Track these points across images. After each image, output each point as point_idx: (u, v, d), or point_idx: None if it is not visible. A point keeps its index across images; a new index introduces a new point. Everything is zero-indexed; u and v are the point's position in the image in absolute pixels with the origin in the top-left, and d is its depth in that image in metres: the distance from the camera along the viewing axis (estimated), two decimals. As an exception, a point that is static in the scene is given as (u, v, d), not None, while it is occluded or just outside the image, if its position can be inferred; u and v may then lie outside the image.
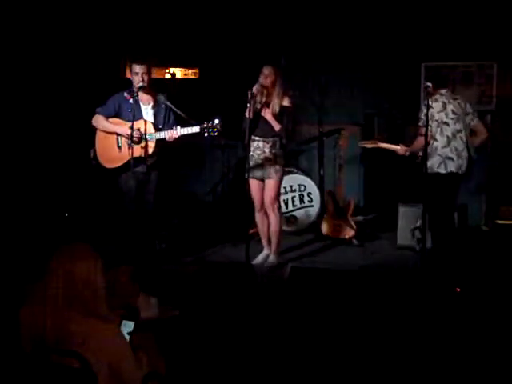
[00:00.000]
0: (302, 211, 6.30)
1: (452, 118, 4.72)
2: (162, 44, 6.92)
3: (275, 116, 4.86)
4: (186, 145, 4.91)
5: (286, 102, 4.91)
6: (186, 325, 3.42)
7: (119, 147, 4.71)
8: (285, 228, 5.99)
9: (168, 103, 4.77)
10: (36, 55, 6.12)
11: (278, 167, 4.98)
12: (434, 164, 4.68)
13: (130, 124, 4.57)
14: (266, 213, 5.13)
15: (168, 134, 4.63)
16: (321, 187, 6.35)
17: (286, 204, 6.28)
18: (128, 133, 4.56)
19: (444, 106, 4.74)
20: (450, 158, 4.69)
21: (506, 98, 6.66)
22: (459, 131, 4.74)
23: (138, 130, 4.59)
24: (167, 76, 7.30)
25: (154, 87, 4.85)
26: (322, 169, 6.46)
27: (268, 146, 4.95)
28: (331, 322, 3.78)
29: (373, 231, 6.29)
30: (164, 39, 6.93)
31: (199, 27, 6.85)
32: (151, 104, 4.78)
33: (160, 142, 4.68)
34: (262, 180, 5.04)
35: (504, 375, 3.14)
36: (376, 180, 6.91)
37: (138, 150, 4.62)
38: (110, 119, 4.72)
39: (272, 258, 5.13)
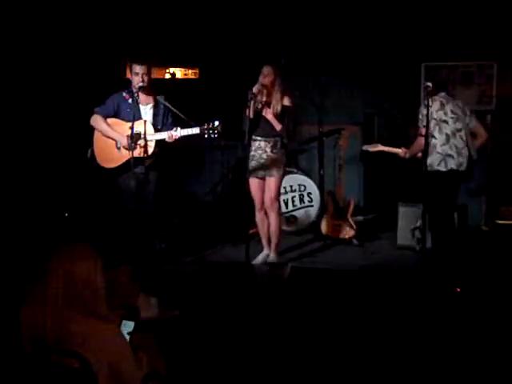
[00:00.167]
0: (301, 211, 6.31)
1: (452, 117, 4.73)
2: (161, 44, 6.92)
3: (276, 116, 4.88)
4: (186, 145, 4.91)
5: (286, 102, 4.92)
6: (186, 325, 3.42)
7: (118, 148, 4.70)
8: (285, 228, 5.99)
9: (167, 104, 4.76)
10: (36, 55, 6.12)
11: (279, 166, 5.00)
12: (433, 162, 4.68)
13: (128, 125, 4.57)
14: (266, 213, 5.14)
15: (168, 135, 4.63)
16: (321, 187, 6.35)
17: (286, 204, 6.28)
18: (125, 143, 4.56)
19: (442, 105, 4.75)
20: (450, 156, 4.69)
21: (506, 97, 6.66)
22: (459, 130, 4.75)
23: (138, 134, 4.58)
24: (167, 76, 7.30)
25: (154, 87, 4.85)
26: (322, 169, 6.46)
27: (269, 145, 4.96)
28: (331, 321, 3.78)
29: (373, 231, 6.29)
30: (164, 39, 6.93)
31: (199, 27, 6.85)
32: (150, 104, 4.78)
33: (160, 143, 4.68)
34: (263, 179, 5.05)
35: (504, 375, 3.13)
36: (376, 180, 6.92)
37: (137, 151, 4.62)
38: (109, 119, 4.72)
39: (272, 257, 5.13)
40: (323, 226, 5.94)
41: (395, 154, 5.02)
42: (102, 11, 6.61)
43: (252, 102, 4.75)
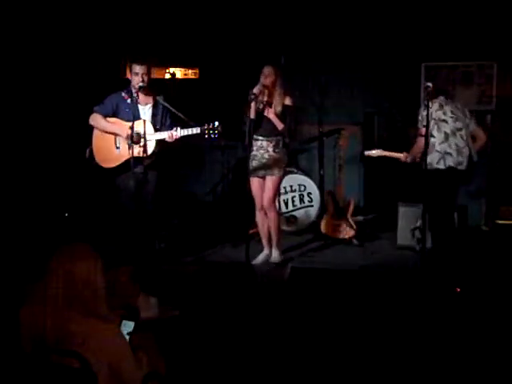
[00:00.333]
0: (302, 211, 6.31)
1: (451, 117, 4.75)
2: (161, 44, 6.91)
3: (278, 115, 4.89)
4: (186, 145, 4.91)
5: (287, 101, 4.95)
6: (186, 325, 3.42)
7: (117, 147, 4.69)
8: (285, 228, 5.99)
9: (166, 104, 4.76)
10: (35, 55, 6.12)
11: (280, 166, 5.03)
12: (433, 160, 4.69)
13: (128, 124, 4.57)
14: (266, 212, 5.15)
15: (168, 135, 4.62)
16: (321, 187, 6.35)
17: (286, 204, 6.28)
18: (126, 134, 4.55)
19: (441, 106, 4.78)
20: (449, 154, 4.70)
21: (506, 97, 6.66)
22: (459, 129, 4.76)
23: (138, 134, 4.58)
24: (167, 76, 7.30)
25: (153, 87, 4.85)
26: (322, 169, 6.46)
27: (271, 145, 4.98)
28: (331, 321, 3.78)
29: (373, 231, 6.29)
30: (164, 39, 6.93)
31: (199, 27, 6.85)
32: (149, 105, 4.77)
33: (160, 143, 4.68)
34: (264, 179, 5.06)
35: (504, 375, 3.13)
36: (376, 180, 6.92)
37: (136, 150, 4.61)
38: (108, 119, 4.72)
39: (275, 254, 5.16)
40: (323, 226, 5.94)
41: (397, 159, 5.02)
42: (102, 11, 6.61)
43: (253, 103, 4.78)
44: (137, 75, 4.64)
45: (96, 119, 4.72)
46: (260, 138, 4.99)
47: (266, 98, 4.92)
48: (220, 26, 6.84)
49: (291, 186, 6.29)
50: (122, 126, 4.65)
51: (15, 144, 5.87)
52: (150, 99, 4.78)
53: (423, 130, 4.50)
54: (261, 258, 5.18)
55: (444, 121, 4.74)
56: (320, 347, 3.45)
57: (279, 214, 5.57)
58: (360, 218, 6.44)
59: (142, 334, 2.42)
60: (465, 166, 4.75)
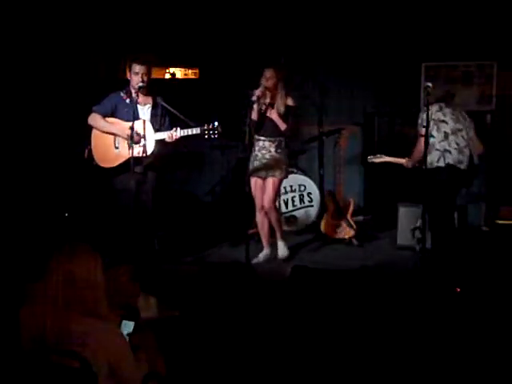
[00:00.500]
0: (302, 211, 6.30)
1: (451, 118, 4.78)
2: (161, 44, 6.91)
3: (280, 116, 4.91)
4: (188, 146, 4.91)
5: (290, 102, 4.98)
6: (186, 325, 3.42)
7: (116, 147, 4.69)
8: (285, 228, 5.98)
9: (165, 104, 4.75)
10: (34, 55, 6.11)
11: (282, 167, 5.05)
12: (433, 159, 4.70)
13: (127, 124, 4.56)
14: (266, 213, 5.16)
15: (168, 135, 4.62)
16: (321, 187, 6.35)
17: (286, 204, 6.28)
18: (126, 134, 4.55)
19: (441, 108, 4.82)
20: (448, 151, 4.71)
21: (506, 97, 6.66)
22: (460, 130, 4.78)
23: (138, 134, 4.58)
24: (167, 76, 7.29)
25: (154, 88, 4.84)
26: (322, 169, 6.46)
27: (274, 145, 5.00)
28: (331, 321, 3.78)
29: (373, 231, 6.29)
30: (164, 39, 6.93)
31: (199, 27, 6.85)
32: (148, 105, 4.76)
33: (159, 143, 4.67)
34: (265, 179, 5.08)
35: (504, 375, 3.13)
36: (376, 180, 6.91)
37: (136, 150, 4.60)
38: (107, 119, 4.71)
39: (283, 248, 5.22)
40: (323, 226, 5.94)
41: (400, 164, 5.02)
42: (101, 11, 6.61)
43: (256, 105, 4.80)
44: (136, 75, 4.63)
45: (95, 119, 4.71)
46: (262, 138, 5.01)
47: (268, 100, 4.94)
48: (220, 27, 6.83)
49: (291, 186, 6.29)
50: (121, 127, 4.64)
51: (15, 144, 5.87)
52: (150, 99, 4.77)
53: (423, 131, 4.51)
54: (261, 257, 5.19)
55: (444, 121, 4.75)
56: (320, 347, 3.45)
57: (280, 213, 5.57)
58: (360, 217, 6.44)
59: (142, 334, 2.42)
60: (465, 165, 4.75)
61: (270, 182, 5.06)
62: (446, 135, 4.73)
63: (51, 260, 2.14)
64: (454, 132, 4.75)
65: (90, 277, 2.14)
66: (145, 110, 4.74)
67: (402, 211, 5.71)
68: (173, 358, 2.60)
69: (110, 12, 6.69)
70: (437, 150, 4.71)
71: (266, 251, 5.25)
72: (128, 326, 2.38)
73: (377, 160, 5.08)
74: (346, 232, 5.87)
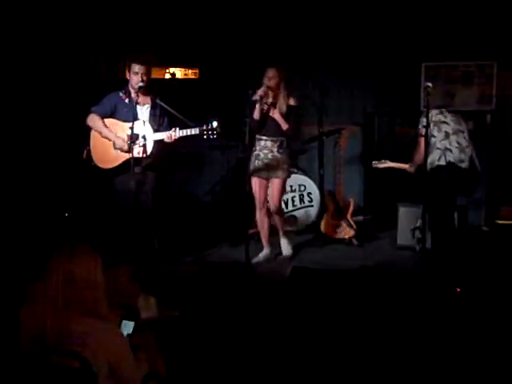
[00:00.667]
0: (302, 211, 6.30)
1: (452, 120, 4.80)
2: (161, 44, 6.91)
3: (283, 116, 4.92)
4: (187, 146, 4.91)
5: (292, 102, 4.99)
6: (186, 325, 3.42)
7: (115, 148, 4.68)
8: (285, 228, 5.99)
9: (164, 105, 4.74)
10: (33, 55, 6.11)
11: (285, 167, 5.06)
12: (434, 158, 4.72)
13: (125, 125, 4.57)
14: (266, 212, 5.17)
15: (167, 135, 4.61)
16: (321, 187, 6.34)
17: (286, 204, 6.27)
18: (122, 145, 4.55)
19: (441, 111, 4.86)
20: (449, 149, 4.72)
21: (506, 97, 6.65)
22: (461, 131, 4.81)
23: (136, 134, 4.57)
24: (167, 76, 7.29)
25: (153, 88, 4.84)
26: (322, 169, 6.46)
27: (276, 145, 5.01)
28: (331, 321, 3.78)
29: (373, 231, 6.29)
30: (164, 39, 6.93)
31: (200, 27, 6.85)
32: (147, 105, 4.75)
33: (158, 144, 4.66)
34: (267, 179, 5.09)
35: (504, 375, 3.13)
36: (376, 180, 6.91)
37: (135, 151, 4.59)
38: (106, 120, 4.70)
39: (287, 246, 5.25)
40: (323, 226, 5.94)
41: (404, 170, 5.02)
42: (101, 11, 6.61)
43: (258, 104, 4.81)
44: (136, 75, 4.62)
45: (93, 120, 4.70)
46: (264, 138, 5.01)
47: (270, 100, 4.95)
48: (220, 27, 6.83)
49: (291, 186, 6.28)
50: (119, 129, 4.63)
51: (15, 144, 5.86)
52: (148, 99, 4.76)
53: (423, 131, 4.53)
54: (261, 256, 5.20)
55: (445, 122, 4.78)
56: (320, 347, 3.45)
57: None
58: (360, 217, 6.44)
59: (142, 334, 2.42)
60: (467, 164, 4.75)
61: (275, 182, 5.09)
62: (447, 134, 4.75)
63: (51, 260, 2.14)
64: (456, 132, 4.76)
65: (90, 277, 2.14)
66: (143, 110, 4.73)
67: (402, 211, 5.71)
68: (173, 357, 2.60)
69: (110, 12, 6.69)
70: (438, 148, 4.73)
71: (265, 251, 5.25)
72: (128, 326, 2.38)
73: (381, 165, 5.13)
74: (345, 232, 5.87)
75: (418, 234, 5.43)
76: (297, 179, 6.32)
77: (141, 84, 4.58)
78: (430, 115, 4.66)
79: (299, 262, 5.20)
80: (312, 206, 6.29)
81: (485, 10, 6.40)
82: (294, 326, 3.72)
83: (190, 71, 7.32)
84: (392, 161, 5.12)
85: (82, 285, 2.11)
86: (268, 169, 5.04)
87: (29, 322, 2.12)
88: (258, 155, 5.04)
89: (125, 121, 4.62)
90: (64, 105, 6.23)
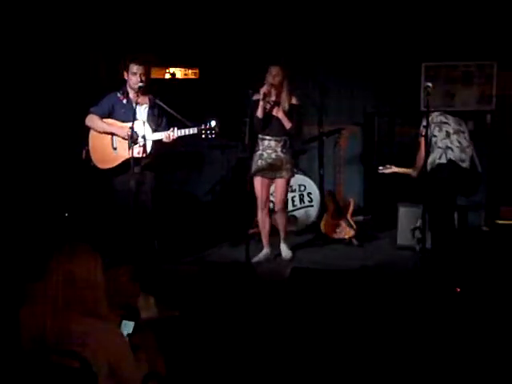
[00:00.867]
0: (302, 211, 6.30)
1: (453, 121, 4.82)
2: (161, 44, 6.91)
3: (286, 114, 4.93)
4: (185, 145, 4.91)
5: (294, 101, 5.00)
6: (186, 325, 3.42)
7: (114, 148, 4.68)
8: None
9: (162, 105, 4.73)
10: (32, 56, 6.10)
11: (289, 167, 5.07)
12: (435, 157, 4.73)
13: (124, 125, 4.56)
14: (268, 212, 5.19)
15: (165, 135, 4.61)
16: (321, 187, 6.34)
17: (286, 204, 6.27)
18: (125, 134, 4.54)
19: (442, 114, 4.88)
20: (450, 148, 4.73)
21: (506, 97, 6.65)
22: (462, 132, 4.82)
23: (137, 135, 4.56)
24: (167, 76, 7.29)
25: (153, 87, 4.83)
26: (322, 169, 6.46)
27: (280, 145, 5.02)
28: (331, 321, 3.78)
29: (373, 231, 6.29)
30: (164, 39, 6.93)
31: (199, 27, 6.85)
32: (145, 105, 4.75)
33: (157, 144, 4.66)
34: (270, 179, 5.11)
35: (504, 375, 3.13)
36: (376, 180, 6.91)
37: (135, 151, 4.59)
38: (104, 120, 4.70)
39: (287, 250, 5.27)
40: (323, 226, 5.94)
41: (408, 175, 5.03)
42: (101, 11, 6.61)
43: (262, 102, 4.81)
44: (135, 75, 4.62)
45: (92, 120, 4.70)
46: (267, 137, 5.02)
47: (272, 98, 4.96)
48: (220, 26, 6.83)
49: (291, 186, 6.25)
50: (118, 128, 4.63)
51: (15, 144, 5.86)
52: (146, 99, 4.75)
53: (424, 131, 4.54)
54: (261, 256, 5.21)
55: (446, 123, 4.80)
56: (320, 347, 3.45)
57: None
58: (360, 217, 6.44)
59: (142, 334, 2.42)
60: (467, 164, 4.75)
61: (279, 182, 5.11)
62: (448, 134, 4.76)
63: (51, 260, 2.14)
64: (457, 132, 4.78)
65: (90, 277, 2.14)
66: (142, 111, 4.72)
67: (402, 211, 5.71)
68: (173, 357, 2.60)
69: (110, 12, 6.69)
70: (439, 147, 4.74)
71: (266, 250, 5.26)
72: (128, 326, 2.38)
73: (387, 171, 5.17)
74: (346, 232, 5.87)
75: (418, 233, 5.43)
76: (297, 179, 6.31)
77: (140, 84, 4.58)
78: (431, 117, 4.67)
79: (299, 262, 5.20)
80: (312, 206, 6.29)
81: (485, 10, 6.40)
82: (294, 325, 3.72)
83: (190, 71, 7.32)
84: (396, 165, 5.14)
85: (82, 285, 2.11)
86: (272, 169, 5.05)
87: (29, 322, 2.12)
88: (262, 155, 5.04)
89: (123, 121, 4.62)
90: (64, 105, 6.23)
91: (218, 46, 6.92)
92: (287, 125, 4.95)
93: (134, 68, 4.62)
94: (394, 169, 5.12)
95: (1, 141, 5.76)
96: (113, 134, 4.66)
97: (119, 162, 4.65)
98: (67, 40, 6.40)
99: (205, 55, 7.03)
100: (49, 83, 6.22)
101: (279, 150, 5.02)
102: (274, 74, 4.89)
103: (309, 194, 6.29)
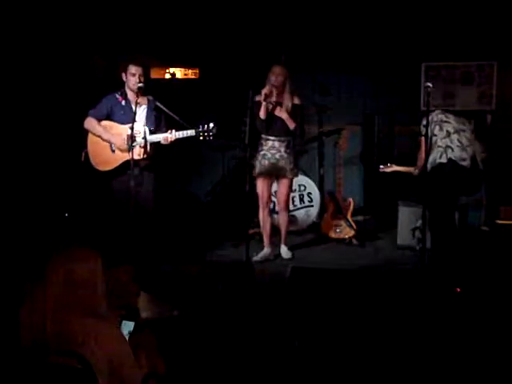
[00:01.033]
0: (302, 211, 6.30)
1: (454, 119, 4.82)
2: (162, 44, 6.91)
3: (289, 115, 4.93)
4: (186, 146, 4.90)
5: (296, 101, 5.00)
6: (186, 325, 3.42)
7: (112, 150, 4.68)
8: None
9: (161, 106, 4.73)
10: (32, 57, 6.10)
11: (292, 166, 5.08)
12: (435, 156, 4.73)
13: (122, 127, 4.57)
14: (270, 212, 5.21)
15: (163, 137, 4.60)
16: (321, 187, 6.35)
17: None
18: (121, 143, 4.54)
19: (443, 112, 4.88)
20: (450, 148, 4.73)
21: (506, 97, 6.65)
22: (463, 130, 4.81)
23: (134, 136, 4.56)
24: (167, 76, 7.30)
25: (154, 88, 4.83)
26: (322, 169, 6.46)
27: (284, 145, 5.04)
28: (331, 321, 3.78)
29: (373, 231, 6.29)
30: (164, 39, 6.92)
31: (199, 27, 6.85)
32: (143, 106, 4.74)
33: (155, 145, 4.65)
34: (274, 179, 5.13)
35: (504, 375, 3.13)
36: (376, 179, 6.91)
37: (136, 152, 4.58)
38: (103, 122, 4.69)
39: (286, 251, 5.29)
40: (323, 226, 5.94)
41: (410, 174, 5.02)
42: (101, 11, 6.60)
43: (264, 103, 4.81)
44: (133, 76, 4.61)
45: (90, 123, 4.69)
46: (272, 138, 5.03)
47: (275, 99, 4.96)
48: (220, 26, 6.83)
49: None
50: (116, 131, 4.62)
51: (14, 145, 5.86)
52: (145, 100, 4.75)
53: (424, 130, 4.54)
54: (261, 255, 5.21)
55: (447, 122, 4.79)
56: (320, 347, 3.45)
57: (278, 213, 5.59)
58: (360, 217, 6.44)
59: (142, 334, 2.42)
60: (468, 163, 4.74)
61: (284, 182, 5.14)
62: (449, 133, 4.76)
63: (51, 260, 2.14)
64: (457, 131, 4.77)
65: (89, 277, 2.14)
66: (140, 112, 4.70)
67: (402, 211, 5.71)
68: (173, 357, 2.60)
69: (110, 12, 6.69)
70: (439, 146, 4.74)
71: (266, 250, 5.26)
72: (128, 326, 2.38)
73: (388, 170, 5.16)
74: (346, 232, 5.87)
75: (418, 233, 5.44)
76: (297, 179, 6.29)
77: (140, 85, 4.57)
78: (431, 116, 4.67)
79: (299, 262, 5.20)
80: (312, 206, 6.29)
81: (485, 10, 6.40)
82: (294, 325, 3.72)
83: (190, 71, 7.32)
84: (397, 164, 5.13)
85: (82, 285, 2.11)
86: (276, 169, 5.07)
87: (29, 322, 2.12)
88: (265, 155, 5.05)
89: (122, 123, 4.62)
90: (64, 105, 6.23)
91: (218, 46, 6.92)
92: (291, 125, 4.96)
93: (133, 69, 4.62)
94: (395, 167, 5.11)
95: (1, 142, 5.76)
96: (109, 142, 4.65)
97: (117, 164, 4.65)
98: (66, 41, 6.40)
99: (205, 55, 7.03)
100: (47, 84, 6.22)
101: (283, 150, 5.04)
102: (277, 73, 4.89)
103: (309, 194, 6.29)
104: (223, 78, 6.93)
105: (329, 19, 6.76)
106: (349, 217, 5.89)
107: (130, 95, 4.67)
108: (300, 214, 6.30)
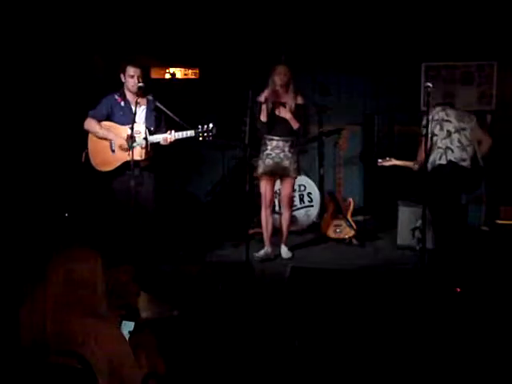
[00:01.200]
0: (302, 211, 6.30)
1: (455, 118, 4.81)
2: (162, 44, 6.91)
3: (293, 114, 4.93)
4: (186, 146, 4.90)
5: (299, 100, 5.01)
6: (186, 325, 3.42)
7: (112, 150, 4.68)
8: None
9: (160, 106, 4.72)
10: (32, 57, 6.10)
11: (295, 167, 5.10)
12: (436, 157, 4.73)
13: (122, 128, 4.56)
14: (272, 211, 5.23)
15: (163, 138, 4.60)
16: (321, 187, 6.35)
17: (287, 204, 6.28)
18: (121, 142, 4.54)
19: (444, 109, 4.86)
20: (450, 148, 4.73)
21: (506, 97, 6.65)
22: (463, 129, 4.80)
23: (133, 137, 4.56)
24: (167, 76, 7.30)
25: (155, 88, 4.83)
26: (322, 169, 6.46)
27: (288, 145, 5.05)
28: (331, 321, 3.78)
29: (373, 231, 6.29)
30: (164, 39, 6.93)
31: (199, 27, 6.85)
32: (143, 107, 4.74)
33: (155, 146, 4.65)
34: (278, 179, 5.14)
35: (504, 375, 3.13)
36: (376, 180, 6.92)
37: (136, 153, 4.59)
38: (102, 123, 4.69)
39: (287, 251, 5.30)
40: (323, 226, 5.94)
41: (410, 168, 5.02)
42: (101, 11, 6.60)
43: (264, 106, 4.82)
44: (132, 77, 4.62)
45: (90, 124, 4.69)
46: (276, 137, 5.04)
47: (278, 99, 4.96)
48: (220, 26, 6.84)
49: (291, 186, 6.28)
50: (115, 132, 4.63)
51: (15, 145, 5.86)
52: (144, 101, 4.74)
53: (424, 130, 4.54)
54: (262, 253, 5.22)
55: (448, 120, 4.79)
56: (320, 347, 3.45)
57: (279, 213, 5.59)
58: (360, 217, 6.44)
59: (142, 334, 2.42)
60: (468, 163, 4.74)
61: (287, 181, 5.17)
62: (449, 133, 4.76)
63: (51, 260, 2.14)
64: (458, 130, 4.77)
65: (89, 277, 2.14)
66: (139, 112, 4.70)
67: (402, 211, 5.71)
68: (173, 357, 2.61)
69: (110, 13, 6.69)
70: (439, 147, 4.74)
71: (267, 249, 5.27)
72: (128, 326, 2.38)
73: (386, 163, 5.13)
74: (346, 232, 5.87)
75: (418, 233, 5.43)
76: (297, 179, 6.32)
77: (141, 84, 4.57)
78: (432, 113, 4.66)
79: (299, 262, 5.21)
80: (312, 206, 6.29)
81: (485, 10, 6.40)
82: (294, 325, 3.72)
83: (190, 71, 7.32)
84: (396, 158, 5.11)
85: (82, 285, 2.11)
86: (280, 168, 5.09)
87: (29, 322, 2.12)
88: (269, 154, 5.06)
89: (121, 123, 4.62)
90: (64, 106, 6.23)
91: (218, 46, 6.93)
92: (295, 125, 4.97)
93: (131, 70, 4.62)
94: (394, 161, 5.08)
95: (1, 142, 5.76)
96: (110, 141, 4.65)
97: (117, 164, 4.65)
98: (66, 41, 6.39)
99: (205, 55, 7.03)
100: (47, 85, 6.22)
101: (287, 149, 5.06)
102: (281, 73, 4.90)
103: (309, 194, 6.29)
104: (223, 78, 6.93)
105: (329, 19, 6.77)
106: (349, 217, 5.89)
107: (129, 96, 4.67)
108: (300, 214, 6.30)
